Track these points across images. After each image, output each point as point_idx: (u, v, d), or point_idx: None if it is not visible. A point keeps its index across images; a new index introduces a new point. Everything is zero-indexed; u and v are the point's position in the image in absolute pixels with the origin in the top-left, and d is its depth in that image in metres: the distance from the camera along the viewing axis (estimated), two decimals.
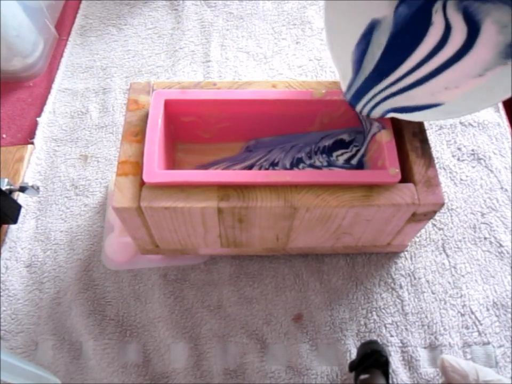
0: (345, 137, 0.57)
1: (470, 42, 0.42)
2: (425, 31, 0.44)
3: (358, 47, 0.47)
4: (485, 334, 0.57)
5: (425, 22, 0.43)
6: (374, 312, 0.59)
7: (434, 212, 0.49)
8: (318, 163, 0.57)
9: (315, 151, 0.58)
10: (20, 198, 0.67)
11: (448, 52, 0.44)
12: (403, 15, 0.43)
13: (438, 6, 0.42)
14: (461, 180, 0.69)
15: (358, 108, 0.50)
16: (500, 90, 0.41)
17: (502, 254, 0.63)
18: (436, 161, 0.59)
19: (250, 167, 0.57)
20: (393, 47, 0.46)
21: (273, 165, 0.57)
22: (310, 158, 0.57)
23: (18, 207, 0.62)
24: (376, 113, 0.49)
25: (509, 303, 0.59)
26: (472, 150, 0.72)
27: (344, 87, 0.50)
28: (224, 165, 0.58)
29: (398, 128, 0.50)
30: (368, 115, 0.50)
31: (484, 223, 0.65)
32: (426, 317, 0.58)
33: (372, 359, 0.50)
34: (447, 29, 0.43)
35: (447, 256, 0.63)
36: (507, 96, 0.40)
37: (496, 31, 0.40)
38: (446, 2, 0.41)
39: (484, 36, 0.41)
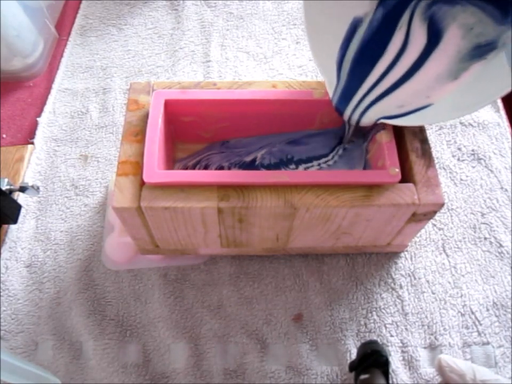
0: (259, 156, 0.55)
1: (427, 53, 0.42)
2: (387, 43, 0.44)
3: (340, 51, 0.46)
4: (485, 334, 0.57)
5: (389, 35, 0.43)
6: (374, 312, 0.59)
7: (434, 212, 0.49)
8: None
9: (235, 164, 0.55)
10: (20, 198, 0.67)
11: (405, 64, 0.44)
12: (378, 18, 0.43)
13: (404, 21, 0.42)
14: (461, 179, 0.69)
15: (346, 114, 0.50)
16: (489, 86, 0.41)
17: (502, 254, 0.63)
18: (436, 161, 0.59)
19: (195, 165, 0.57)
20: (361, 55, 0.45)
21: (206, 167, 0.56)
22: (229, 169, 0.55)
23: (18, 207, 0.62)
24: (366, 120, 0.49)
25: (509, 303, 0.59)
26: (472, 150, 0.72)
27: (330, 93, 0.50)
28: (187, 161, 0.57)
29: (398, 128, 0.50)
30: (358, 122, 0.50)
31: (484, 223, 0.65)
32: (426, 317, 0.58)
33: (372, 359, 0.50)
34: (405, 43, 0.43)
35: (447, 256, 0.63)
36: (502, 91, 0.39)
37: (460, 36, 0.40)
38: (414, 9, 0.41)
39: (445, 44, 0.41)
